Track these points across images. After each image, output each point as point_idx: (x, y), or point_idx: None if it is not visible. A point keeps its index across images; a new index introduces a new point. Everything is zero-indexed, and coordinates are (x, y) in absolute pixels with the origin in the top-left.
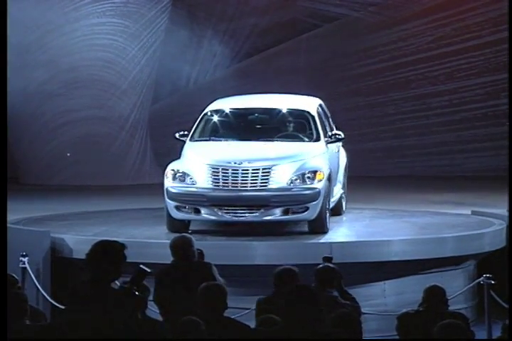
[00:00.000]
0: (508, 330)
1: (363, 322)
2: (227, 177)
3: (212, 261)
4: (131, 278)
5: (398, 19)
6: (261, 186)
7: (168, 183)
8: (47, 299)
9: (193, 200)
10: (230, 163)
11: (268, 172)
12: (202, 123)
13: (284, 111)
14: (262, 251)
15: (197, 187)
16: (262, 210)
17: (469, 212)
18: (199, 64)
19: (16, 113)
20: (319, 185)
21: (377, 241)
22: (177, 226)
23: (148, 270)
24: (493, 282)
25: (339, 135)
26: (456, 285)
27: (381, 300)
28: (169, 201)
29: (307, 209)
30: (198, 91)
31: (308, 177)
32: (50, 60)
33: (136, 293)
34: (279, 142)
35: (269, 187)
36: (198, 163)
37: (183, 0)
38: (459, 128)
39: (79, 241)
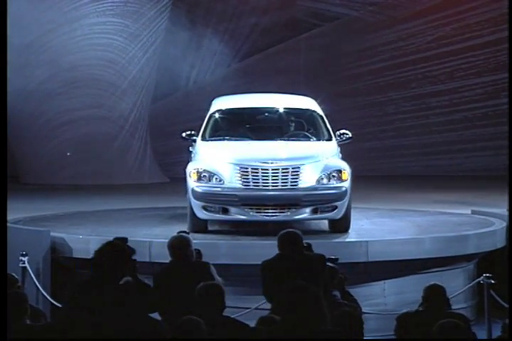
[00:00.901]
0: (508, 330)
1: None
2: (258, 176)
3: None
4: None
5: (398, 19)
6: (291, 185)
7: (194, 183)
8: (47, 298)
9: (224, 200)
10: (259, 162)
11: (297, 171)
12: (211, 122)
13: (293, 110)
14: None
15: (226, 187)
16: (293, 209)
17: (469, 212)
18: (199, 64)
19: (16, 112)
20: (345, 184)
21: (376, 241)
22: (200, 226)
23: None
24: (493, 281)
25: (347, 134)
26: (456, 284)
27: (381, 300)
28: (196, 201)
29: (335, 208)
30: (198, 91)
31: (334, 177)
32: (50, 60)
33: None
34: (297, 142)
35: (299, 186)
36: (223, 162)
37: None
38: (459, 128)
39: (79, 240)
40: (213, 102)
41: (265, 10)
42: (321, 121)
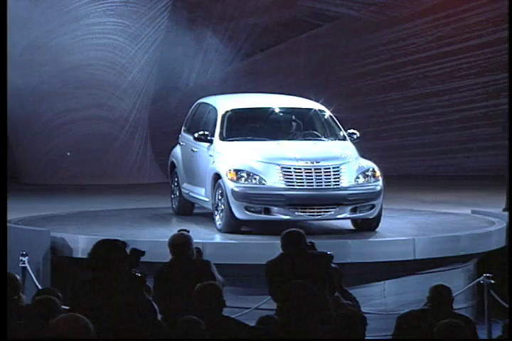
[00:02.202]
0: (508, 330)
1: None
2: (301, 176)
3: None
4: (127, 261)
5: (398, 18)
6: (334, 185)
7: (233, 184)
8: None
9: (269, 200)
10: (300, 162)
11: (338, 171)
12: (225, 122)
13: (304, 110)
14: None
15: (270, 187)
16: (337, 208)
17: (469, 212)
18: (199, 64)
19: (16, 112)
20: (380, 183)
21: (376, 241)
22: (235, 227)
23: (142, 250)
24: (493, 281)
25: (356, 134)
26: (456, 284)
27: (381, 300)
28: (237, 202)
29: (373, 207)
30: (198, 91)
31: (368, 176)
32: (50, 60)
33: (136, 273)
34: (320, 141)
35: (341, 185)
36: (260, 162)
37: None
38: (459, 128)
39: (79, 240)
40: (215, 102)
41: (265, 10)
42: (332, 121)
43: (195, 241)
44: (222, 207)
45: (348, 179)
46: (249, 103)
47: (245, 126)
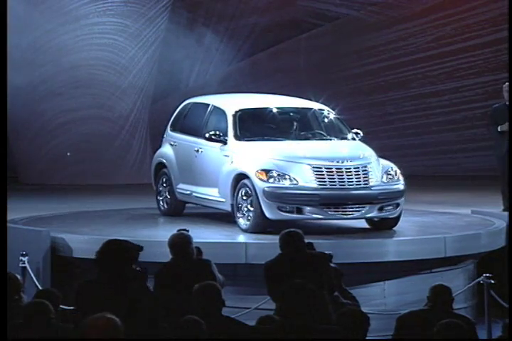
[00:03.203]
0: (508, 330)
1: None
2: (333, 176)
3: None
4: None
5: (398, 18)
6: (364, 184)
7: (264, 184)
8: None
9: (304, 200)
10: (330, 162)
11: (366, 170)
12: (238, 122)
13: (313, 110)
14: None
15: (303, 187)
16: (367, 207)
17: (469, 212)
18: (199, 63)
19: (16, 112)
20: (402, 181)
21: (376, 241)
22: (264, 226)
23: (140, 245)
24: (493, 281)
25: (359, 134)
26: (456, 284)
27: (381, 300)
28: (269, 202)
29: (398, 205)
30: (198, 91)
31: (390, 174)
32: (50, 60)
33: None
34: (339, 141)
35: (370, 184)
36: (290, 162)
37: None
38: (459, 128)
39: (79, 240)
40: (217, 103)
41: (265, 10)
42: (339, 121)
43: (194, 240)
44: (249, 207)
45: (375, 178)
46: (256, 103)
47: (257, 126)
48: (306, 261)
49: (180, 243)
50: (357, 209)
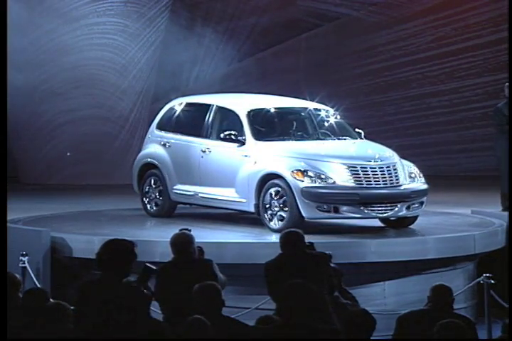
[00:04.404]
0: (508, 330)
1: None
2: (368, 175)
3: None
4: (138, 277)
5: (398, 19)
6: (395, 183)
7: (302, 184)
8: None
9: (343, 199)
10: (364, 161)
11: (396, 169)
12: (253, 122)
13: (319, 111)
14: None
15: (342, 186)
16: (400, 206)
17: (469, 212)
18: (199, 63)
19: (16, 112)
20: (424, 180)
21: (376, 241)
22: (300, 225)
23: (154, 267)
24: (493, 281)
25: (361, 134)
26: (456, 284)
27: (381, 300)
28: (308, 201)
29: (422, 204)
30: (198, 91)
31: (413, 173)
32: (49, 60)
33: (144, 290)
34: (358, 141)
35: (400, 183)
36: (323, 162)
37: None
38: (459, 128)
39: (79, 240)
40: (219, 102)
41: (265, 10)
42: (344, 122)
43: (196, 240)
44: (280, 206)
45: (403, 176)
46: (264, 103)
47: (272, 126)
48: (306, 261)
49: (182, 242)
50: (391, 208)
